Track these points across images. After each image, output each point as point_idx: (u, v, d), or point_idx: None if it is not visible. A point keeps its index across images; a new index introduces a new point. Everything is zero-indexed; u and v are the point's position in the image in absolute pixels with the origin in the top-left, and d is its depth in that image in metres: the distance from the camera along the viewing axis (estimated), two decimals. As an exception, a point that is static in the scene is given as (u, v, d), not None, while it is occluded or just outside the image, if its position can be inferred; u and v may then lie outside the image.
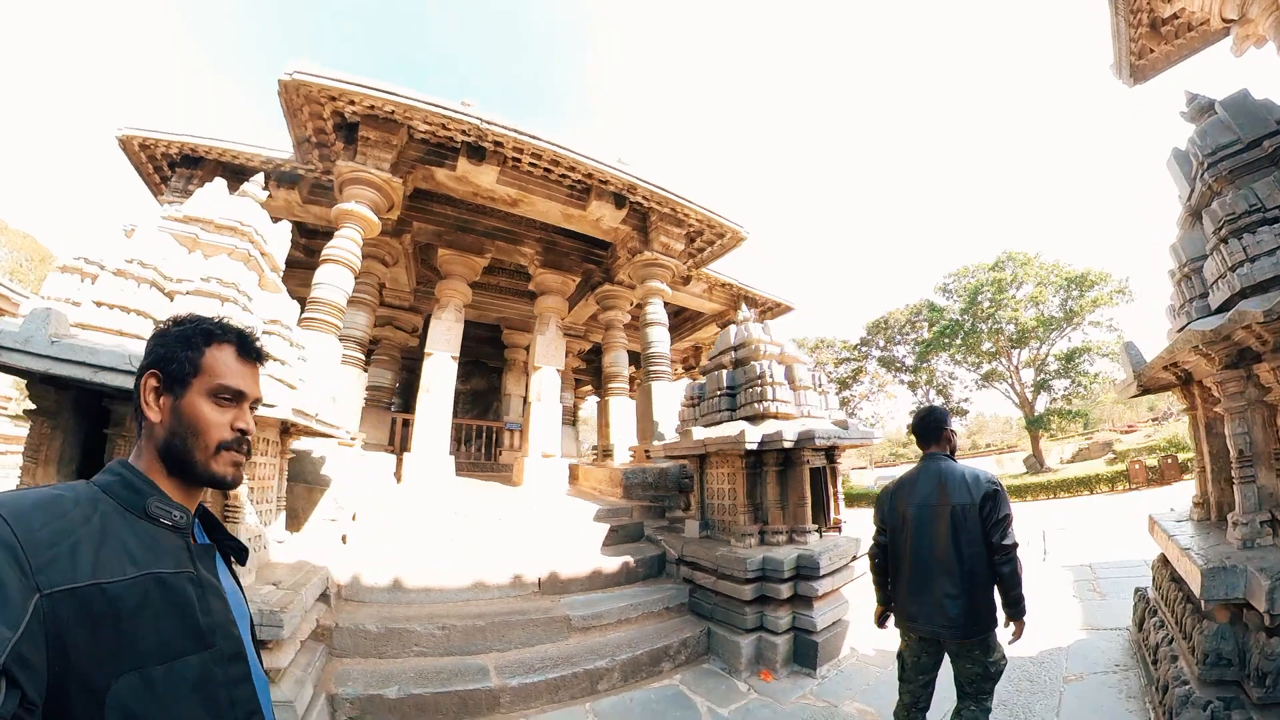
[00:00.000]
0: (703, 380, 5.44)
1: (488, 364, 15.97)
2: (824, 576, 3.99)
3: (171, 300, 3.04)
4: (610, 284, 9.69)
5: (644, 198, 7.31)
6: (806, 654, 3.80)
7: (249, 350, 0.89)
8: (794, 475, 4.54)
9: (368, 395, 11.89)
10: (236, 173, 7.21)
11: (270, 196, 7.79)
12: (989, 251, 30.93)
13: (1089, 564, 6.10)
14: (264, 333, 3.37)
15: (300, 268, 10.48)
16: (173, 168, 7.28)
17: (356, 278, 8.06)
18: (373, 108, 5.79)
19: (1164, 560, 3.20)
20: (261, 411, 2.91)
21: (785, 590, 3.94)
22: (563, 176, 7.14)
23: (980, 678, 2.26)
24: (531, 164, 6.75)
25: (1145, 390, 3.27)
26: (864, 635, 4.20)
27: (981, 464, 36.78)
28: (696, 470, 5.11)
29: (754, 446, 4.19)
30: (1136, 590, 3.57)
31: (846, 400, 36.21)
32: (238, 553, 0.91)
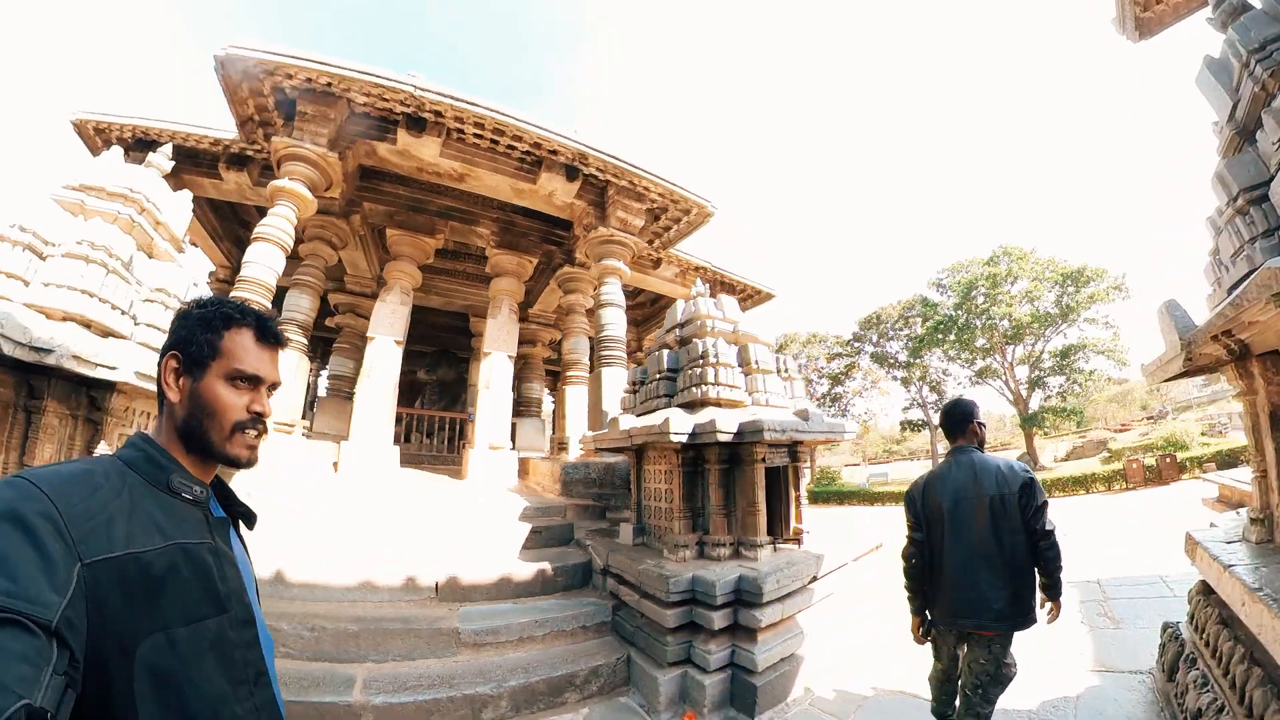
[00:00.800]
0: (647, 363, 4.64)
1: (456, 354, 15.17)
2: (770, 603, 3.17)
3: (44, 261, 3.13)
4: (571, 266, 8.97)
5: (599, 169, 6.69)
6: (744, 697, 3.01)
7: (267, 335, 0.91)
8: (743, 476, 3.73)
9: (329, 384, 11.19)
10: (189, 155, 7.27)
11: (222, 179, 7.54)
12: (985, 247, 30.18)
13: (1096, 580, 5.32)
14: (145, 300, 3.38)
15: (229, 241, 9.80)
16: (127, 151, 6.86)
17: (302, 260, 8.06)
18: (309, 80, 5.54)
19: (1204, 590, 2.41)
20: (103, 374, 2.94)
21: (719, 619, 3.13)
22: (510, 148, 6.55)
23: (990, 680, 2.24)
24: (476, 135, 6.29)
25: (1189, 369, 2.44)
26: (824, 672, 3.42)
27: (976, 462, 36.65)
28: (634, 466, 4.31)
29: (682, 439, 3.39)
30: (1166, 628, 2.77)
31: (839, 396, 35.57)
32: (247, 518, 0.97)
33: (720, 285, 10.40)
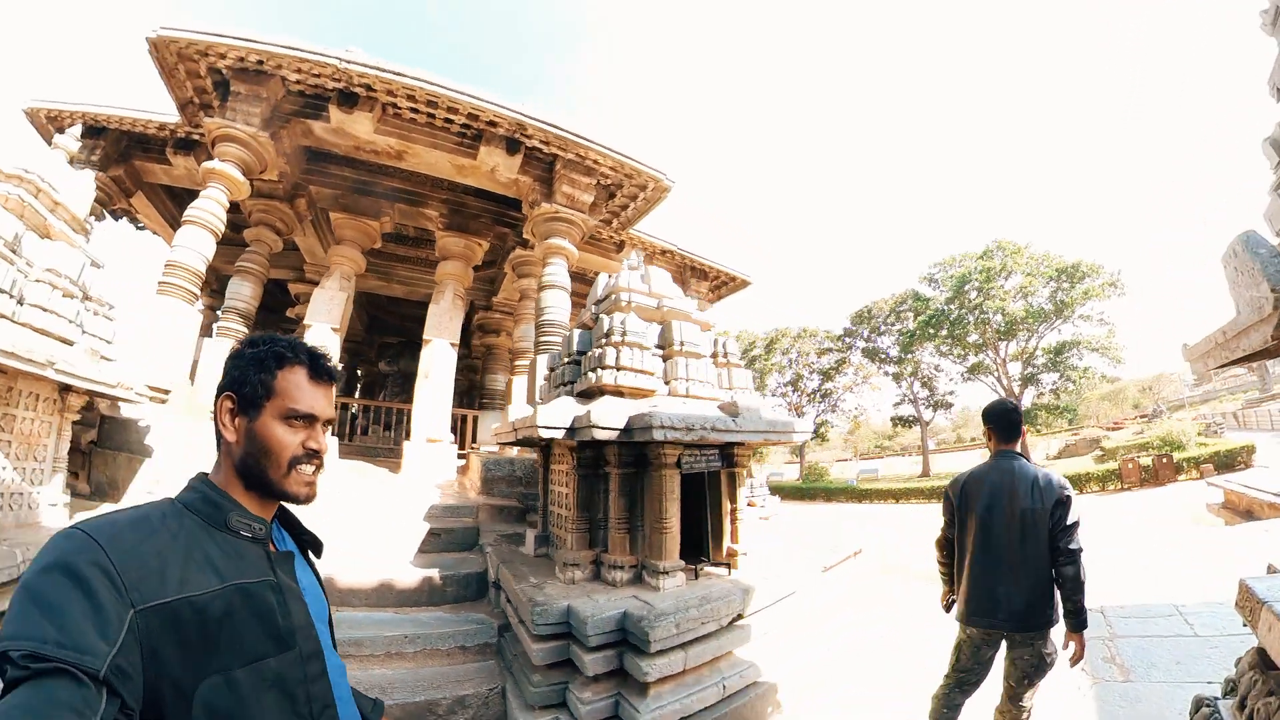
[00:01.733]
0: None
1: (420, 344, 14.57)
2: (666, 651, 2.54)
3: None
4: (524, 249, 8.38)
5: (542, 141, 6.24)
6: (630, 759, 2.42)
7: (320, 371, 0.91)
8: (651, 483, 3.09)
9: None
10: (140, 141, 7.30)
11: (171, 164, 7.35)
12: (980, 241, 29.71)
13: (1099, 608, 4.48)
14: (36, 281, 3.32)
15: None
16: (80, 139, 7.10)
17: (247, 246, 7.90)
18: (241, 59, 5.49)
19: (1262, 664, 1.76)
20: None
21: (595, 663, 2.53)
22: (448, 121, 6.17)
23: (1033, 669, 2.26)
24: (412, 109, 6.02)
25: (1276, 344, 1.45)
26: (777, 706, 2.84)
27: (967, 458, 35.96)
28: (540, 465, 3.75)
29: (555, 434, 2.84)
30: (1199, 706, 2.08)
31: (829, 392, 35.05)
32: (315, 547, 0.98)
33: (690, 271, 9.81)
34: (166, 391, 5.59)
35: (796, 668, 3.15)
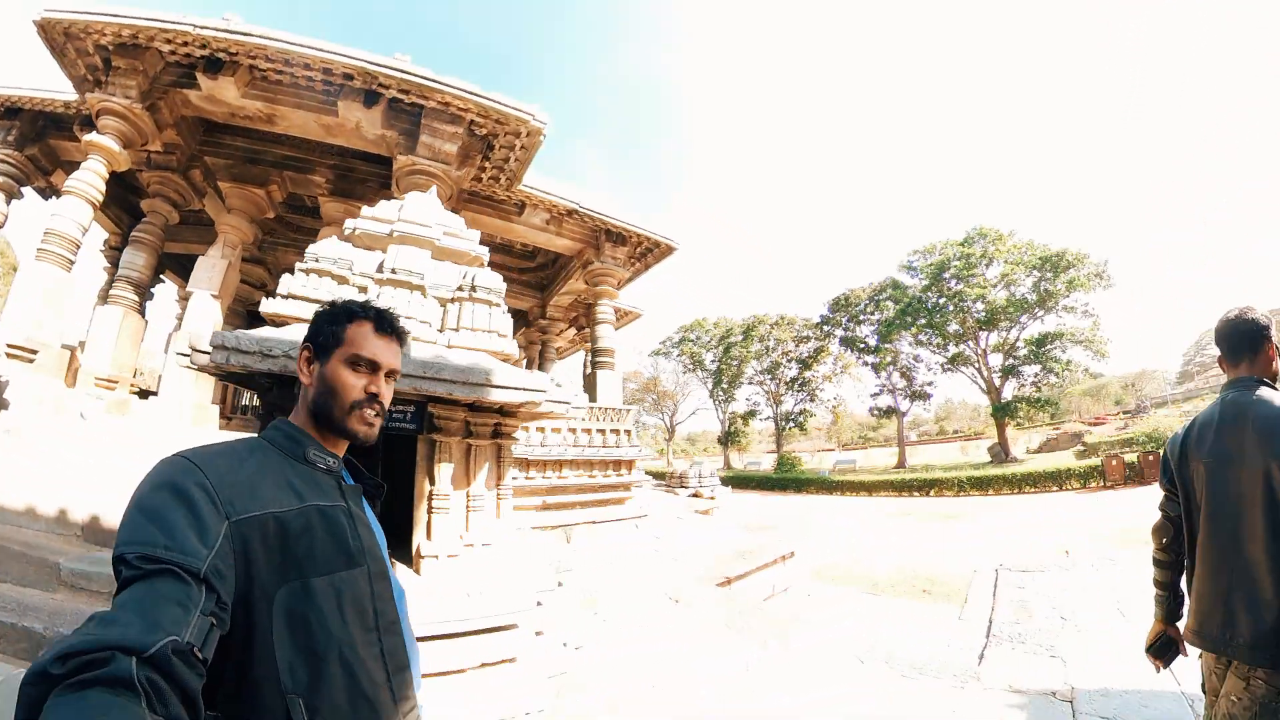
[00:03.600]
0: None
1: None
2: None
3: None
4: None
5: (401, 91, 5.95)
6: None
7: (385, 326, 1.01)
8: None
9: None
10: (54, 121, 7.59)
11: (80, 142, 6.97)
12: (964, 230, 28.67)
13: (1066, 690, 3.21)
14: None
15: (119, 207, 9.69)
16: None
17: (142, 217, 8.16)
18: (118, 35, 5.71)
19: None
20: None
21: None
22: (309, 81, 6.08)
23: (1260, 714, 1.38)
24: (274, 70, 6.04)
25: None
26: None
27: (945, 451, 35.28)
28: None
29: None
30: None
31: (807, 381, 34.23)
32: (377, 491, 1.08)
33: (607, 235, 8.75)
34: (34, 351, 5.72)
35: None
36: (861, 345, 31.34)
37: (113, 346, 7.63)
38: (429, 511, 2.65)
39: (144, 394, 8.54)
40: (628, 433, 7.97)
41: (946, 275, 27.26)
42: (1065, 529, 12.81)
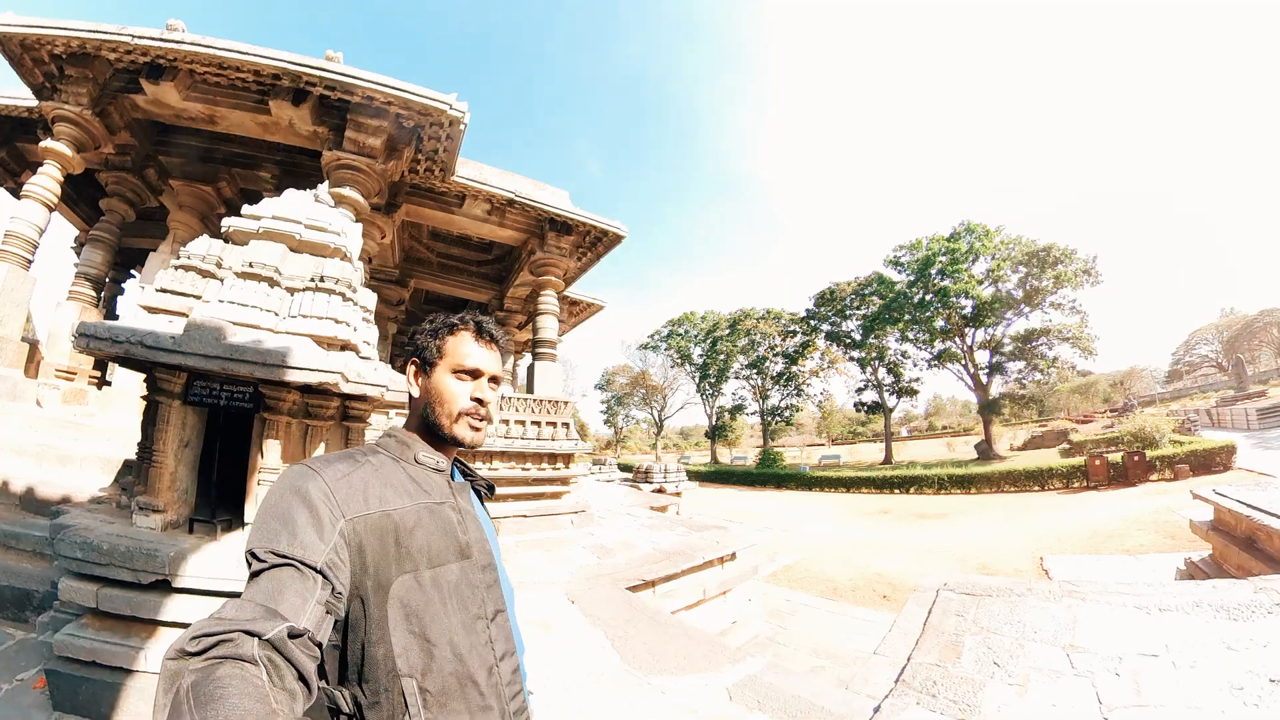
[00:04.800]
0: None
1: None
2: None
3: None
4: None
5: (327, 88, 6.15)
6: None
7: (483, 334, 1.06)
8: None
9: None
10: (20, 125, 7.94)
11: (40, 146, 7.39)
12: (950, 226, 28.39)
13: None
14: None
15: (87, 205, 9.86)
16: None
17: (101, 216, 8.53)
18: (68, 45, 6.09)
19: None
20: None
21: None
22: (242, 82, 6.35)
23: None
24: (211, 74, 6.35)
25: None
26: None
27: (933, 447, 35.01)
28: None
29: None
30: None
31: (794, 376, 34.17)
32: (488, 489, 1.15)
33: (551, 225, 8.67)
34: None
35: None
36: (847, 340, 31.25)
37: (71, 341, 7.90)
38: (258, 484, 2.79)
39: (101, 383, 8.70)
40: (566, 425, 7.92)
41: (932, 271, 27.06)
42: (1037, 532, 12.48)
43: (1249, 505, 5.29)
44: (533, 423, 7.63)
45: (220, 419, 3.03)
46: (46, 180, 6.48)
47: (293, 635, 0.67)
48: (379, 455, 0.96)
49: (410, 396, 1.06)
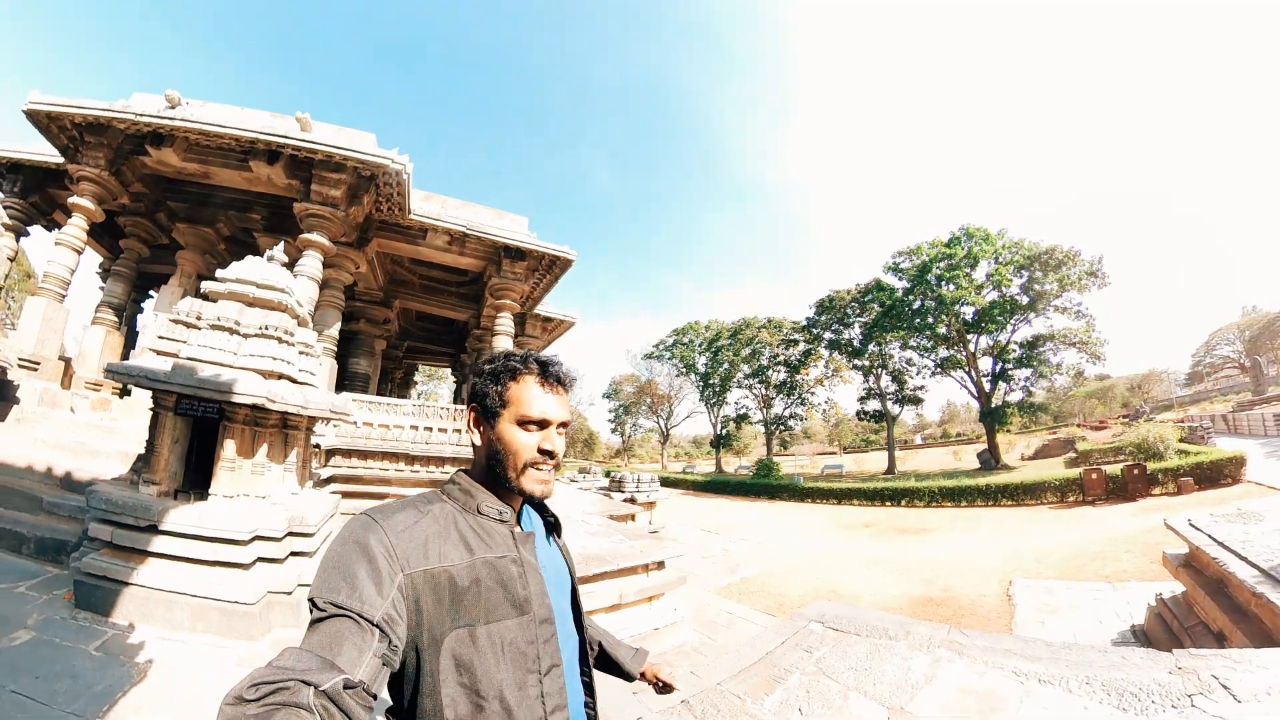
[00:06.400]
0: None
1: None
2: None
3: None
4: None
5: (294, 150, 7.37)
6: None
7: (549, 376, 1.01)
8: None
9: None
10: (53, 175, 9.33)
11: (69, 202, 8.78)
12: (950, 231, 28.18)
13: None
14: None
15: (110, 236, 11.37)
16: (3, 175, 9.76)
17: (119, 254, 10.33)
18: (85, 119, 7.41)
19: None
20: None
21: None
22: (227, 146, 7.59)
23: None
24: (202, 141, 7.62)
25: None
26: None
27: (939, 456, 34.09)
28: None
29: None
30: None
31: (796, 385, 34.29)
32: (556, 528, 1.14)
33: (505, 252, 9.55)
34: (36, 363, 7.76)
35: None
36: (849, 348, 31.26)
37: (98, 358, 9.47)
38: (221, 469, 4.07)
39: (124, 393, 10.09)
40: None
41: (930, 277, 26.93)
42: (1018, 551, 11.61)
43: (1220, 544, 4.24)
44: (454, 429, 8.11)
45: (197, 425, 4.22)
46: (75, 230, 7.99)
47: (348, 687, 0.68)
48: (443, 504, 0.96)
49: (473, 445, 1.04)
